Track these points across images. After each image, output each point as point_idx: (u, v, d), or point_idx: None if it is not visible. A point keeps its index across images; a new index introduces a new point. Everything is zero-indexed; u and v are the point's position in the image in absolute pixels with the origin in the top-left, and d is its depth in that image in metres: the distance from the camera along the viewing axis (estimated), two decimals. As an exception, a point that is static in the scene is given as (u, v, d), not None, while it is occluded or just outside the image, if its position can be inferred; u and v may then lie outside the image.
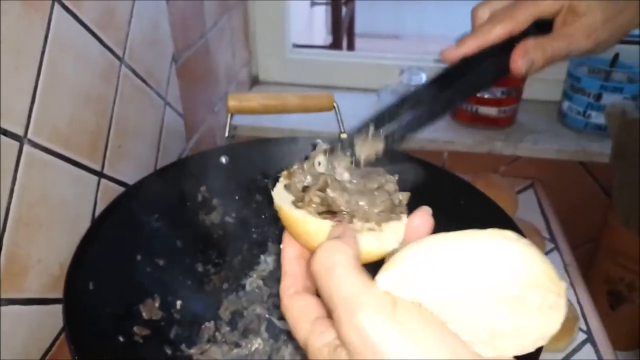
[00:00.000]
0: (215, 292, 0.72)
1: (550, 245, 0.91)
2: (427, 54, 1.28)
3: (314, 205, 0.37)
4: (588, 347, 0.73)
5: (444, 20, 3.21)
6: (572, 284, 0.82)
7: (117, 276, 0.60)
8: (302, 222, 0.36)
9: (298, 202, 0.37)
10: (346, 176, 0.40)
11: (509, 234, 0.26)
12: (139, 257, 0.63)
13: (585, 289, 0.82)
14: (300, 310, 0.30)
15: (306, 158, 0.41)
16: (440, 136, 1.08)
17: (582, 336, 0.74)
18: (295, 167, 0.40)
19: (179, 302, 0.66)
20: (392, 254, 0.34)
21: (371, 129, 0.44)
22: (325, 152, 0.41)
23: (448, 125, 1.12)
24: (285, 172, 0.41)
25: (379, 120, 0.44)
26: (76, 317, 0.50)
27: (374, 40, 3.27)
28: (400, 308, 0.25)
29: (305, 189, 0.38)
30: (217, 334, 0.67)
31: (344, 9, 2.34)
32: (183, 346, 0.64)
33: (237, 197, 0.73)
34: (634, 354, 1.16)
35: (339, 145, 0.41)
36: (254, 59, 1.25)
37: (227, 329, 0.68)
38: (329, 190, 0.36)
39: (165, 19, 0.78)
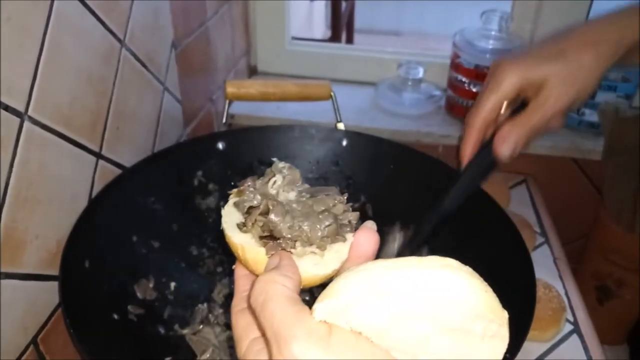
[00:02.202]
0: (209, 275, 0.73)
1: (540, 239, 0.92)
2: (426, 49, 1.29)
3: (258, 228, 0.36)
4: (574, 338, 0.74)
5: (444, 18, 3.23)
6: (560, 277, 0.84)
7: (112, 256, 0.61)
8: (242, 249, 0.36)
9: (243, 227, 0.37)
10: (292, 195, 0.39)
11: (450, 262, 0.26)
12: (134, 238, 0.64)
13: (574, 281, 0.84)
14: (243, 328, 0.31)
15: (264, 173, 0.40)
16: (435, 130, 1.09)
17: (568, 327, 0.75)
18: (248, 183, 0.38)
19: (173, 284, 0.67)
20: (333, 276, 0.35)
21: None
22: (281, 170, 0.40)
23: (443, 119, 1.13)
24: (235, 190, 0.40)
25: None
26: (72, 294, 0.51)
27: (373, 36, 3.27)
28: (336, 337, 0.25)
29: (250, 209, 0.37)
30: (210, 315, 0.68)
31: (343, 4, 2.34)
32: (176, 326, 0.65)
33: (233, 183, 0.74)
34: (621, 349, 1.18)
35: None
36: (253, 50, 1.25)
37: (220, 311, 0.69)
38: (271, 215, 0.35)
39: (167, 6, 0.79)
